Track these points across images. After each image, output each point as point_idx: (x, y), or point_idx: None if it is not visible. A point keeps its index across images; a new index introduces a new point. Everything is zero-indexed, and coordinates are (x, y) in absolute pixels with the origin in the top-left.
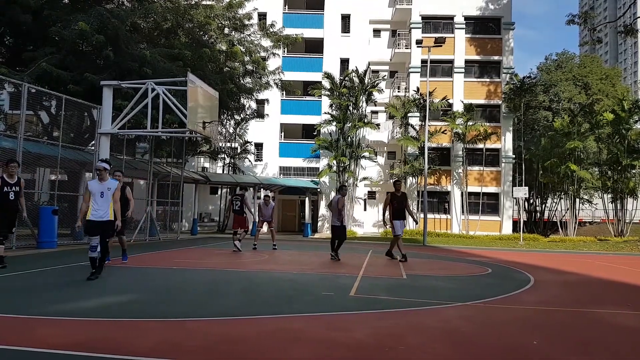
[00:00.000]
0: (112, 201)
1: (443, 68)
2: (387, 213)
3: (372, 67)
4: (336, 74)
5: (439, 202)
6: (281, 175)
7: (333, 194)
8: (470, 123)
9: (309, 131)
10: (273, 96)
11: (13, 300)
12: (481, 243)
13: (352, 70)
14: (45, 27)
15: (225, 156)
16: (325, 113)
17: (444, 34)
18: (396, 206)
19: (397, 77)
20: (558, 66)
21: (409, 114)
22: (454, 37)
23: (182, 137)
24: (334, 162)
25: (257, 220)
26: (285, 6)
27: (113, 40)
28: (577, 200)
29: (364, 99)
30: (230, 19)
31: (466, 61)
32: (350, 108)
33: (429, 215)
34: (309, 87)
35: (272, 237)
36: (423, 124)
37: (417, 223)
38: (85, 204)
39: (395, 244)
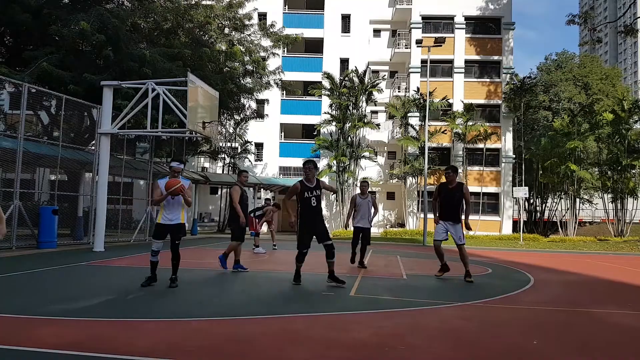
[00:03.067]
0: (183, 202)
1: (443, 68)
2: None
3: (372, 67)
4: (336, 74)
5: None
6: (281, 175)
7: (334, 194)
8: (470, 123)
9: (309, 131)
10: (273, 96)
11: (13, 300)
12: (481, 243)
13: (352, 70)
14: (45, 27)
15: (225, 156)
16: (325, 113)
17: (444, 34)
18: (443, 202)
19: (397, 77)
20: (558, 66)
21: (409, 114)
22: (454, 37)
23: (182, 137)
24: (334, 162)
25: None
26: (285, 6)
27: (113, 40)
28: (577, 200)
29: (363, 99)
30: (230, 19)
31: (466, 61)
32: (350, 108)
33: (429, 215)
34: (309, 87)
35: (272, 237)
36: (423, 124)
37: (469, 230)
38: (158, 198)
39: (437, 253)
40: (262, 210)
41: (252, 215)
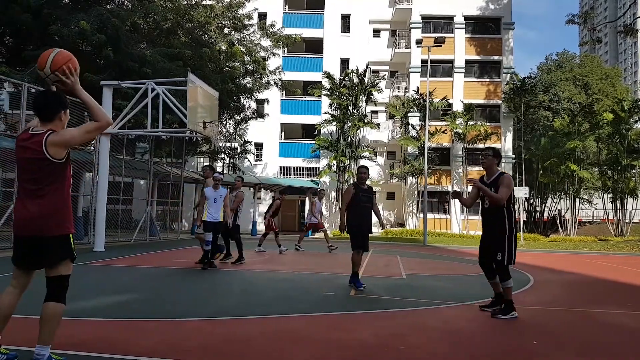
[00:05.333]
0: (222, 205)
1: (443, 68)
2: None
3: (372, 67)
4: (336, 74)
5: (439, 202)
6: (281, 175)
7: (333, 194)
8: (470, 123)
9: (309, 131)
10: (273, 96)
11: None
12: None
13: (352, 70)
14: (45, 27)
15: (225, 156)
16: (325, 113)
17: (444, 34)
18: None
19: (397, 77)
20: (558, 66)
21: (409, 114)
22: (454, 37)
23: (182, 137)
24: (334, 162)
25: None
26: (285, 6)
27: (113, 40)
28: (577, 200)
29: (363, 98)
30: (230, 19)
31: (466, 61)
32: (350, 108)
33: (429, 215)
34: (309, 87)
35: (326, 238)
36: (423, 124)
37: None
38: (201, 207)
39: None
40: (272, 208)
41: (268, 215)
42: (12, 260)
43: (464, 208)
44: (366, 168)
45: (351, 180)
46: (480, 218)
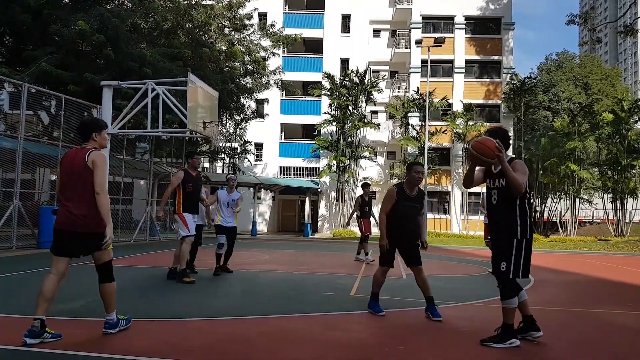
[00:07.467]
0: (236, 209)
1: (443, 68)
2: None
3: (372, 67)
4: (336, 74)
5: (439, 202)
6: (281, 175)
7: (333, 194)
8: (470, 123)
9: (309, 131)
10: (273, 96)
11: (13, 300)
12: (481, 243)
13: (352, 70)
14: (46, 27)
15: (225, 156)
16: (325, 113)
17: (444, 34)
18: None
19: (397, 77)
20: (558, 66)
21: (409, 114)
22: (454, 37)
23: (182, 137)
24: (334, 162)
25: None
26: (285, 6)
27: (113, 40)
28: (577, 200)
29: (363, 98)
30: (231, 19)
31: (466, 61)
32: (350, 108)
33: (429, 215)
34: (309, 87)
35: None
36: (423, 124)
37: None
38: (211, 206)
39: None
40: (355, 206)
41: (364, 212)
42: (53, 250)
43: (464, 208)
44: (422, 166)
45: (351, 181)
46: (487, 220)
